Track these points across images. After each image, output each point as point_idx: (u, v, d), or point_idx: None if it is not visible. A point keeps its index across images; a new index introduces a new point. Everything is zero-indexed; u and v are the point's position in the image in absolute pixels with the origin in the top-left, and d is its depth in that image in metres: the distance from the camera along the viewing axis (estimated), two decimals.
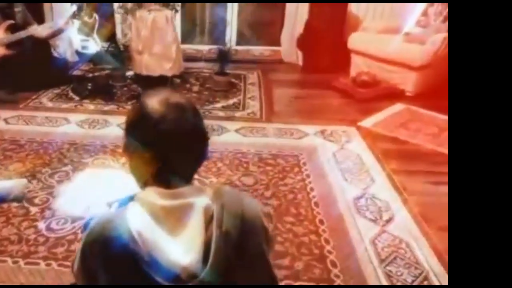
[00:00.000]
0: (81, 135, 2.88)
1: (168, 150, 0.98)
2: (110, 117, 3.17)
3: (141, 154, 1.01)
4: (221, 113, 3.41)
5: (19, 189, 2.08)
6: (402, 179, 2.59)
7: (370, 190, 2.46)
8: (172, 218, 0.97)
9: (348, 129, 3.21)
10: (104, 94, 3.44)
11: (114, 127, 3.00)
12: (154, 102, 1.01)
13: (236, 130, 3.11)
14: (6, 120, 3.05)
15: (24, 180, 2.19)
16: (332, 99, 3.89)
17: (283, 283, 1.73)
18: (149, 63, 3.54)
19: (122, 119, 3.04)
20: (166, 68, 3.61)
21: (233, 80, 4.16)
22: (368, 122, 3.39)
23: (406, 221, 2.20)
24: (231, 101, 3.66)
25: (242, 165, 2.62)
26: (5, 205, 2.04)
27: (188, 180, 1.05)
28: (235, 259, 0.97)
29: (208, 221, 0.98)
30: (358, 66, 4.29)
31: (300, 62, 4.81)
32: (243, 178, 2.48)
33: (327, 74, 4.26)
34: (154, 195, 0.99)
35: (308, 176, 2.57)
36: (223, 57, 3.84)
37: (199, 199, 1.00)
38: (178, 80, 3.89)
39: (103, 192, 2.11)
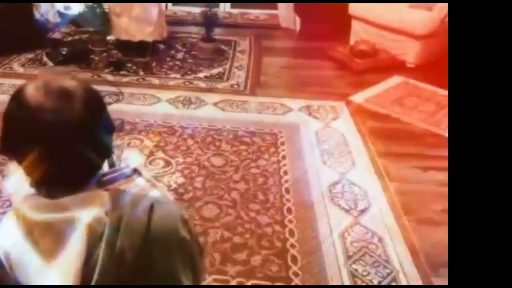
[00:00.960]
0: None
1: (46, 148, 0.77)
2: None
3: (19, 152, 0.80)
4: (202, 84, 3.16)
5: None
6: (387, 162, 2.36)
7: (349, 175, 2.24)
8: (48, 237, 0.78)
9: (337, 104, 2.95)
10: (80, 60, 3.20)
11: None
12: (32, 87, 0.78)
13: (215, 104, 2.87)
14: None
15: None
16: (326, 70, 3.58)
17: (233, 282, 1.57)
18: (129, 27, 3.26)
19: (99, 88, 2.90)
20: (147, 33, 3.32)
21: (222, 46, 3.85)
22: (359, 97, 3.10)
23: (382, 212, 2.00)
24: (215, 71, 3.39)
25: (214, 143, 2.42)
26: None
27: (77, 187, 0.84)
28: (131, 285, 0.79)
29: (97, 239, 0.79)
30: (358, 34, 3.92)
31: (298, 28, 4.44)
32: (213, 158, 2.28)
33: (325, 42, 3.90)
34: (30, 207, 0.80)
35: (284, 157, 2.35)
36: (209, 21, 3.52)
37: (85, 212, 0.79)
38: (162, 46, 3.61)
39: None
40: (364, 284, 1.62)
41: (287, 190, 2.10)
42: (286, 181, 2.16)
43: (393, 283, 1.64)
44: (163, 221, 0.81)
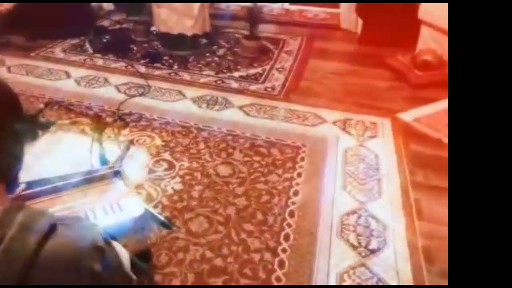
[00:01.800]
0: (72, 93, 2.83)
1: None
2: (113, 76, 3.08)
3: None
4: (234, 84, 3.10)
5: None
6: (421, 197, 2.09)
7: (369, 206, 2.02)
8: None
9: (379, 120, 2.69)
10: (119, 49, 3.34)
11: (112, 88, 2.90)
12: None
13: (241, 107, 2.79)
14: (9, 68, 3.13)
15: None
16: (380, 80, 3.30)
17: None
18: (168, 18, 3.32)
19: (124, 80, 3.01)
20: (187, 26, 3.35)
21: (268, 45, 3.77)
22: (409, 115, 2.81)
23: (398, 255, 1.76)
24: (253, 71, 3.31)
25: (227, 150, 2.34)
26: None
27: None
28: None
29: None
30: (426, 42, 3.57)
31: (359, 31, 4.18)
32: (220, 166, 2.21)
33: (387, 48, 3.61)
34: None
35: (299, 175, 2.20)
36: (253, 18, 3.44)
37: None
38: (204, 41, 3.62)
39: (58, 159, 2.03)
40: None
41: (292, 213, 1.95)
42: (294, 202, 2.02)
43: None
44: (60, 248, 0.69)
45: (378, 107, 2.85)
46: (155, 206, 1.90)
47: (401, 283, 1.65)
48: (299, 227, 1.88)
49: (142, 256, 1.55)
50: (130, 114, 2.59)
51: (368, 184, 2.17)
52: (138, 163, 2.17)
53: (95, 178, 1.51)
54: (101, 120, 1.83)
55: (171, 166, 2.18)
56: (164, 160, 2.22)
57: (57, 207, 1.42)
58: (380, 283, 1.64)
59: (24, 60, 3.23)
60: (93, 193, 1.48)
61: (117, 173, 1.57)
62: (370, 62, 3.52)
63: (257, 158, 2.30)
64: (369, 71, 3.40)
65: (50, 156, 2.13)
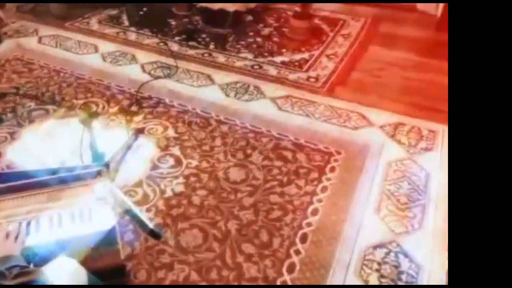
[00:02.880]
0: (96, 70, 2.76)
1: None
2: (142, 54, 2.97)
3: None
4: (273, 71, 2.83)
5: None
6: None
7: (404, 239, 1.70)
8: None
9: (441, 128, 2.29)
10: (156, 23, 3.22)
11: (137, 66, 2.80)
12: None
13: (274, 99, 2.53)
14: (40, 38, 3.16)
15: None
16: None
17: None
18: None
19: (152, 58, 2.88)
20: (228, 2, 3.12)
21: (323, 26, 3.41)
22: None
23: None
24: (298, 56, 3.01)
25: (245, 150, 2.12)
26: None
27: None
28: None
29: None
30: None
31: (439, 14, 3.63)
32: (232, 169, 2.00)
33: None
34: None
35: (324, 190, 1.92)
36: None
37: None
38: (249, 18, 3.37)
39: (61, 145, 1.97)
40: None
41: (304, 237, 1.70)
42: (309, 224, 1.76)
43: None
44: None
45: (440, 111, 2.42)
46: (148, 210, 1.77)
47: None
48: (309, 257, 1.63)
49: (114, 273, 1.43)
50: (149, 98, 2.47)
51: (409, 211, 1.83)
52: (142, 156, 2.05)
53: (73, 178, 1.41)
54: (90, 108, 1.71)
55: (177, 163, 2.03)
56: (171, 155, 2.07)
57: (25, 208, 1.34)
58: None
59: (58, 30, 3.26)
60: (67, 195, 1.39)
61: (98, 173, 1.46)
62: (443, 53, 3.03)
63: (278, 163, 2.05)
64: (440, 65, 2.92)
65: (54, 141, 2.08)
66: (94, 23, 3.40)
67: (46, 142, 2.08)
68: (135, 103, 2.40)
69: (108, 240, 1.31)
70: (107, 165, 1.75)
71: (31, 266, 1.12)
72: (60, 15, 3.31)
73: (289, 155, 2.12)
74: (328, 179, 1.99)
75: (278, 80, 2.74)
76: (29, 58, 2.85)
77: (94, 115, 1.68)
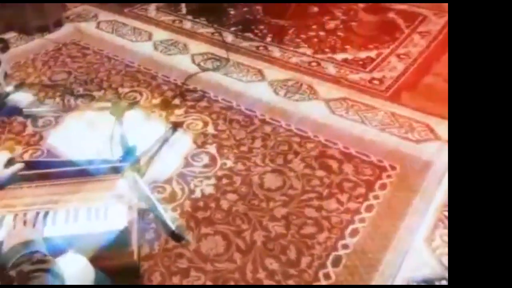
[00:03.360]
0: (146, 58, 2.83)
1: None
2: (194, 44, 3.00)
3: None
4: (332, 70, 2.70)
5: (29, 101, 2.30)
6: None
7: None
8: None
9: None
10: (214, 12, 3.23)
11: (187, 57, 2.83)
12: None
13: (327, 101, 2.41)
14: (99, 23, 3.31)
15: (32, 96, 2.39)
16: None
17: None
18: None
19: (204, 49, 2.89)
20: None
21: (398, 21, 3.19)
22: None
23: None
24: (363, 54, 2.84)
25: (286, 155, 2.04)
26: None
27: None
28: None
29: None
30: None
31: None
32: (269, 175, 1.93)
33: None
34: None
35: (369, 209, 1.78)
36: None
37: None
38: (315, 9, 3.25)
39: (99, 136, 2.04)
40: None
41: (337, 261, 1.59)
42: (346, 246, 1.64)
43: None
44: None
45: None
46: (174, 209, 1.77)
47: None
48: (339, 283, 1.52)
49: (126, 273, 1.44)
50: (193, 91, 2.48)
51: None
52: (177, 152, 2.05)
53: (95, 171, 1.44)
54: (121, 101, 1.73)
55: (212, 162, 2.00)
56: (207, 153, 2.06)
57: (43, 198, 1.38)
58: None
59: (116, 16, 3.40)
60: (87, 189, 1.42)
61: (119, 170, 1.48)
62: None
63: (320, 174, 1.94)
64: None
65: (94, 130, 2.16)
66: (152, 10, 3.50)
67: (86, 130, 2.18)
68: (179, 96, 2.43)
69: (121, 240, 1.32)
70: (135, 161, 1.79)
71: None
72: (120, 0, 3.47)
73: (334, 165, 2.00)
74: (376, 197, 1.84)
75: (336, 80, 2.60)
76: (86, 43, 3.01)
77: (125, 107, 1.71)
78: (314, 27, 3.19)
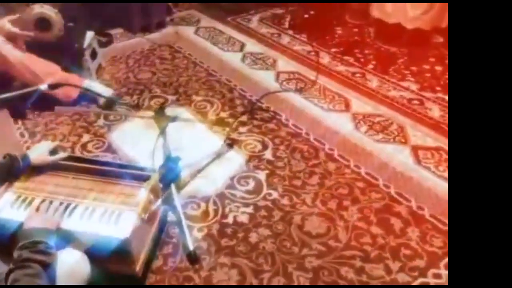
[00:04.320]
0: (230, 69, 2.96)
1: None
2: (284, 60, 3.05)
3: None
4: (436, 113, 2.48)
5: (108, 94, 2.54)
6: None
7: None
8: None
9: None
10: (317, 30, 3.25)
11: (271, 74, 2.90)
12: None
13: (417, 148, 2.24)
14: (198, 29, 3.55)
15: (111, 90, 2.62)
16: None
17: None
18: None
19: (292, 67, 2.92)
20: (408, 16, 2.90)
21: None
22: None
23: None
24: None
25: (341, 200, 1.94)
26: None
27: None
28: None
29: None
30: None
31: None
32: (312, 218, 1.84)
33: None
34: None
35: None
36: None
37: None
38: (439, 39, 3.05)
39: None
40: None
41: None
42: None
43: None
44: None
45: None
46: (200, 229, 1.80)
47: None
48: None
49: (126, 280, 1.52)
50: (265, 110, 2.52)
51: None
52: (225, 171, 2.10)
53: (124, 176, 1.57)
54: (164, 112, 1.82)
55: (257, 189, 2.00)
56: (254, 179, 2.06)
57: (72, 190, 1.54)
58: None
59: (217, 23, 3.64)
60: (111, 191, 1.55)
61: (146, 179, 1.58)
62: None
63: (376, 231, 1.79)
64: None
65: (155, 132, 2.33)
66: (254, 21, 3.68)
67: (148, 132, 2.36)
68: (249, 113, 2.50)
69: (121, 249, 1.40)
70: (175, 172, 1.88)
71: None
72: (230, 8, 3.72)
73: (397, 225, 1.83)
74: (437, 276, 1.62)
75: (437, 126, 2.39)
76: (179, 46, 3.27)
77: (168, 117, 1.81)
78: (431, 59, 3.00)
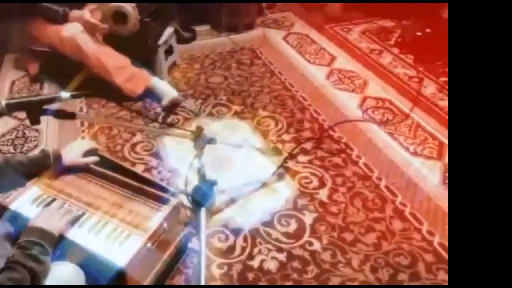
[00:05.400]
0: (309, 85, 2.87)
1: None
2: (377, 83, 2.92)
3: None
4: None
5: (173, 96, 2.61)
6: None
7: None
8: None
9: None
10: (437, 49, 3.00)
11: (357, 98, 2.74)
12: None
13: None
14: (288, 35, 3.50)
15: (175, 92, 2.67)
16: None
17: None
18: None
19: (385, 94, 2.79)
20: None
21: None
22: None
23: None
24: None
25: (398, 273, 1.71)
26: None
27: None
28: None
29: None
30: None
31: None
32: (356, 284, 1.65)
33: None
34: None
35: None
36: None
37: None
38: None
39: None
40: None
41: None
42: None
43: None
44: None
45: None
46: (220, 266, 1.74)
47: None
48: None
49: None
50: (336, 141, 2.38)
51: None
52: (265, 204, 2.01)
53: (145, 193, 1.61)
54: (202, 133, 1.79)
55: (296, 234, 1.86)
56: (298, 221, 1.92)
57: (92, 198, 1.61)
58: None
59: (311, 30, 3.57)
60: (130, 207, 1.59)
61: (166, 201, 1.58)
62: None
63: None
64: None
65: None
66: (355, 32, 3.55)
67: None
68: (315, 140, 2.37)
69: (118, 277, 1.39)
70: (208, 197, 1.87)
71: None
72: (337, 16, 3.63)
73: None
74: None
75: None
76: (261, 52, 3.26)
77: (206, 140, 1.79)
78: None
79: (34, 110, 1.43)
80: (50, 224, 1.38)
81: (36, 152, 2.07)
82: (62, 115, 1.49)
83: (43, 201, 1.56)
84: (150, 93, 2.70)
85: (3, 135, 2.51)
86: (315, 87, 2.88)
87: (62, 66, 2.76)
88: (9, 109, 1.41)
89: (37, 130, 2.53)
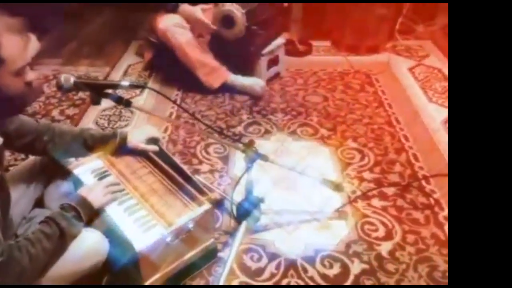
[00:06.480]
0: (416, 125, 2.80)
1: None
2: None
3: None
4: None
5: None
6: None
7: None
8: None
9: None
10: None
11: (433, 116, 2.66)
12: None
13: None
14: (414, 67, 3.44)
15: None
16: None
17: None
18: None
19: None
20: None
21: None
22: None
23: None
24: None
25: None
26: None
27: None
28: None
29: None
30: None
31: None
32: None
33: None
34: None
35: None
36: None
37: None
38: None
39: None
40: None
41: None
42: None
43: None
44: None
45: None
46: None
47: None
48: None
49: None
50: (426, 194, 2.24)
51: None
52: (314, 237, 1.99)
53: (185, 190, 1.81)
54: (253, 147, 1.88)
55: (335, 280, 1.78)
56: (343, 267, 1.84)
57: (138, 182, 1.85)
58: None
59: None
60: (167, 199, 1.79)
61: (200, 204, 1.76)
62: None
63: None
64: None
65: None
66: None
67: (276, 158, 2.41)
68: (401, 188, 2.24)
69: (132, 260, 1.59)
70: (252, 212, 1.94)
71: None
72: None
73: None
74: None
75: None
76: (376, 79, 3.26)
77: (257, 155, 1.87)
78: None
79: (97, 92, 1.68)
80: (93, 196, 1.65)
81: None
82: (120, 101, 1.70)
83: (100, 174, 1.88)
84: (228, 90, 3.15)
85: (104, 110, 3.02)
86: (426, 129, 2.75)
87: (170, 59, 3.17)
88: (77, 87, 1.66)
89: (131, 112, 2.98)
